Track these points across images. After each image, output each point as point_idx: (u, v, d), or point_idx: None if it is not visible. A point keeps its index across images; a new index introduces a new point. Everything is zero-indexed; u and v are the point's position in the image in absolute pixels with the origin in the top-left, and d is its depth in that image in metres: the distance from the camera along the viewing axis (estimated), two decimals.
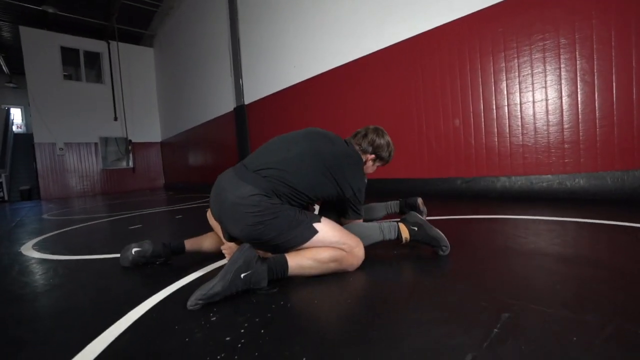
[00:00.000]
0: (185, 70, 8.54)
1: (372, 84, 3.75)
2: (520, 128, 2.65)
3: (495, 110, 2.78)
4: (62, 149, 9.16)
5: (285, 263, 1.08)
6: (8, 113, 11.60)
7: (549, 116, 2.50)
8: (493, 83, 2.77)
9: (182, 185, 9.47)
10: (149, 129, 10.75)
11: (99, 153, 9.79)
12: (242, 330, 0.81)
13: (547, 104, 2.50)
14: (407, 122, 3.42)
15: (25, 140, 9.26)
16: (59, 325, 0.94)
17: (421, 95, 3.28)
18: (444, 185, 3.16)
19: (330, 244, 1.13)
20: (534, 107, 2.57)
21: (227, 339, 0.77)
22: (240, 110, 6.23)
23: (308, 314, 0.92)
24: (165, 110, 10.45)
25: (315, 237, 1.12)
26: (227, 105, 6.71)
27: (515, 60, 2.63)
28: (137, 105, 10.44)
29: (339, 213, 1.42)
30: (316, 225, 1.13)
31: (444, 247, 1.29)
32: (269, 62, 5.44)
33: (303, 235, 1.12)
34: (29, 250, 1.99)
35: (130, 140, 10.29)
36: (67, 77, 9.64)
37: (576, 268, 1.07)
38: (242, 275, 0.99)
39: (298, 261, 1.09)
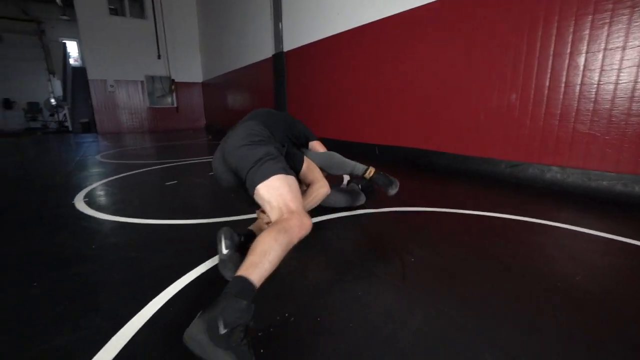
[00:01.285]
0: (226, 10, 8.15)
1: (426, 42, 3.32)
2: (590, 113, 2.25)
3: (563, 89, 2.37)
4: (113, 86, 9.61)
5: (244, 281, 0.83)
6: (65, 47, 12.14)
7: (633, 103, 2.08)
8: (568, 55, 2.31)
9: (221, 128, 9.73)
10: (191, 69, 10.80)
11: (145, 91, 10.17)
12: None
13: (634, 88, 2.07)
14: (455, 90, 3.06)
15: (82, 73, 9.77)
16: (110, 292, 1.06)
17: (478, 60, 2.85)
18: (485, 165, 2.90)
19: (268, 201, 1.12)
20: (615, 90, 2.14)
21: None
22: (279, 58, 5.95)
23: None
24: (206, 51, 10.32)
25: (267, 181, 1.13)
26: (266, 51, 6.43)
27: (606, 28, 2.13)
28: (179, 44, 10.38)
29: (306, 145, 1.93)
30: (276, 175, 1.14)
31: (394, 187, 1.83)
32: (311, 6, 4.97)
33: (263, 173, 1.15)
34: (81, 203, 2.21)
35: (173, 80, 10.48)
36: (113, 11, 9.66)
37: None
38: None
39: (253, 266, 0.86)
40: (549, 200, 2.20)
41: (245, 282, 0.82)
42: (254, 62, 7.02)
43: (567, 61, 2.32)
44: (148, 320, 0.98)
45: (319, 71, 5.03)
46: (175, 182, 2.90)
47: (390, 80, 3.77)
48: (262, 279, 0.86)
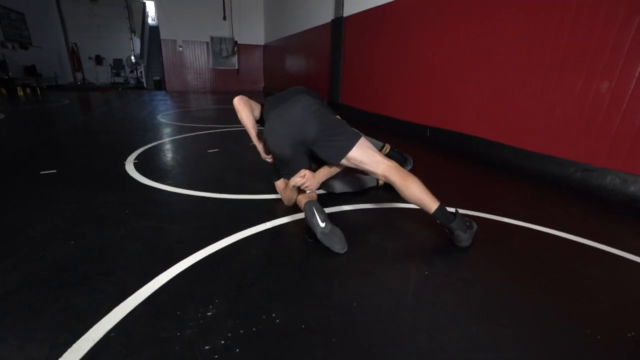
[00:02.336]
0: None
1: (506, 13, 2.82)
2: None
3: None
4: (181, 46, 10.14)
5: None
6: (144, 7, 12.99)
7: None
8: None
9: (278, 92, 9.80)
10: (254, 32, 10.85)
11: (210, 52, 10.56)
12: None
13: None
14: (531, 74, 2.58)
15: (157, 32, 10.46)
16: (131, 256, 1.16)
17: (569, 37, 2.34)
18: (553, 166, 2.48)
19: (363, 161, 1.45)
20: None
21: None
22: (338, 23, 5.63)
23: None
24: (269, 12, 10.21)
25: (357, 146, 1.46)
26: (326, 15, 6.12)
27: None
28: (244, 5, 10.40)
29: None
30: (361, 138, 1.50)
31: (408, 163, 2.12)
32: None
33: (350, 139, 1.47)
34: (130, 165, 2.43)
35: (236, 42, 10.68)
36: None
37: None
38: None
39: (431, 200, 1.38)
40: (631, 221, 1.81)
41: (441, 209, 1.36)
42: (314, 26, 6.76)
43: None
44: (147, 297, 1.04)
45: (376, 40, 4.65)
46: (217, 150, 3.01)
47: (452, 56, 3.33)
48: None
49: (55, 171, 2.23)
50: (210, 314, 0.98)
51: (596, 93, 2.20)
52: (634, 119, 2.03)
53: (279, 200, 1.86)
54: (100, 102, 6.84)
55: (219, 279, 1.15)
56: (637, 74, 1.99)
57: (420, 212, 1.47)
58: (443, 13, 3.42)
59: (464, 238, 1.36)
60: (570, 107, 2.35)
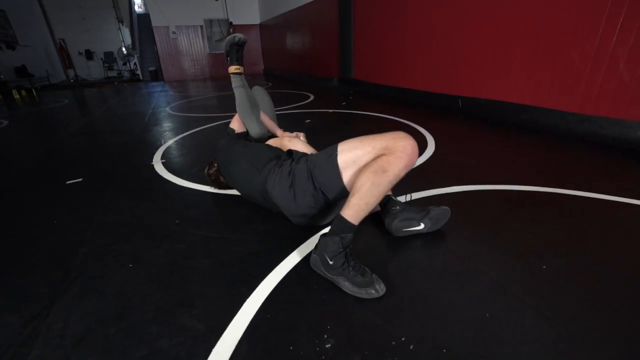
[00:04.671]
0: None
1: None
2: None
3: None
4: (175, 33, 9.64)
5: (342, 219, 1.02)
6: None
7: None
8: None
9: (280, 73, 9.39)
10: (249, 10, 10.29)
11: (205, 36, 10.06)
12: None
13: None
14: (583, 28, 2.30)
15: (147, 20, 9.91)
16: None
17: None
18: (613, 129, 2.25)
19: (357, 161, 1.08)
20: None
21: None
22: None
23: None
24: None
25: (339, 158, 1.10)
26: None
27: None
28: None
29: None
30: (337, 150, 1.11)
31: None
32: None
33: (323, 165, 1.14)
34: (159, 165, 2.22)
35: (231, 22, 10.14)
36: None
37: None
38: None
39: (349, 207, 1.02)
40: None
41: (341, 220, 1.02)
42: None
43: None
44: (246, 330, 0.87)
45: (394, 6, 4.29)
46: None
47: (489, 13, 3.01)
48: (359, 217, 1.02)
49: (81, 180, 2.04)
50: (329, 345, 0.81)
51: None
52: None
53: None
54: (99, 99, 6.53)
55: (318, 297, 0.97)
56: None
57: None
58: None
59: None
60: (633, 63, 2.09)
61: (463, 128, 2.87)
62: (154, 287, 1.06)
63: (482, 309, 0.90)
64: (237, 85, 1.70)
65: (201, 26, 9.91)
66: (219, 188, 1.72)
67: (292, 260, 1.15)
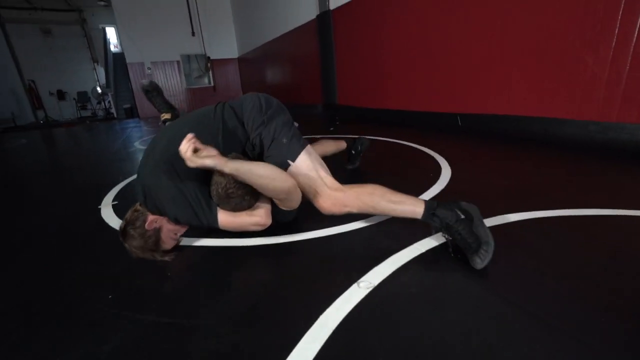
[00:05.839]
0: None
1: None
2: None
3: None
4: (150, 69, 9.38)
5: None
6: (104, 33, 12.15)
7: None
8: None
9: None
10: (226, 45, 10.24)
11: (182, 72, 9.84)
12: None
13: None
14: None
15: (122, 59, 9.65)
16: None
17: None
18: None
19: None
20: None
21: None
22: (325, 18, 5.10)
23: None
24: (240, 22, 9.63)
25: None
26: (308, 12, 5.59)
27: None
28: (213, 18, 9.78)
29: None
30: None
31: None
32: None
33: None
34: (108, 209, 1.72)
35: (209, 57, 10.02)
36: None
37: None
38: None
39: None
40: None
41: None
42: (295, 27, 6.22)
43: None
44: None
45: (378, 28, 4.13)
46: None
47: (490, 24, 2.82)
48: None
49: None
50: None
51: None
52: None
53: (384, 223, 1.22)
54: (65, 138, 5.99)
55: None
56: None
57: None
58: None
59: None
60: None
61: (470, 145, 2.54)
62: None
63: None
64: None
65: (178, 61, 9.72)
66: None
67: None
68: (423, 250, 1.05)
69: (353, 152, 1.98)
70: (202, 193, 1.07)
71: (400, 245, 1.08)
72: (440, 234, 1.05)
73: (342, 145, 1.92)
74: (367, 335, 0.73)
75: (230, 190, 1.04)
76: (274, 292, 0.92)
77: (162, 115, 1.53)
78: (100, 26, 12.98)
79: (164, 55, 9.46)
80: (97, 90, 12.70)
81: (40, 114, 12.06)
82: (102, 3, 13.51)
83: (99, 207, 1.77)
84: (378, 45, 4.19)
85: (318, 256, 1.10)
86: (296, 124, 1.26)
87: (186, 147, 0.93)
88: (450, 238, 0.99)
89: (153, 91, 1.52)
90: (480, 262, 0.90)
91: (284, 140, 1.15)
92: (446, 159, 2.17)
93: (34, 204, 2.01)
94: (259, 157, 1.21)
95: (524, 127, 2.65)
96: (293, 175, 1.12)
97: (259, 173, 1.01)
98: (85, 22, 13.36)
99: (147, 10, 8.97)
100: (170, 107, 1.55)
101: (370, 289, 0.87)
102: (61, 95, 13.26)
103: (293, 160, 1.14)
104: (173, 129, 1.16)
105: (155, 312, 0.88)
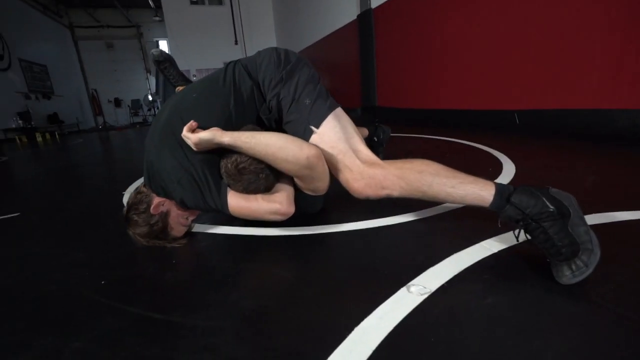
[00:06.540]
0: None
1: None
2: None
3: None
4: (195, 76, 9.84)
5: None
6: (157, 45, 13.10)
7: None
8: None
9: None
10: None
11: None
12: None
13: None
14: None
15: None
16: None
17: None
18: None
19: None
20: None
21: None
22: (366, 18, 4.93)
23: None
24: (281, 30, 9.84)
25: None
26: (349, 12, 5.46)
27: None
28: (255, 27, 10.11)
29: None
30: None
31: None
32: None
33: None
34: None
35: None
36: (193, 2, 9.82)
37: None
38: None
39: None
40: None
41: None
42: (335, 29, 6.13)
43: None
44: None
45: (426, 24, 3.85)
46: None
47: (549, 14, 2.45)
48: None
49: (18, 214, 1.47)
50: None
51: None
52: None
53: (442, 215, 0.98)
54: (114, 139, 6.37)
55: None
56: None
57: None
58: None
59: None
60: None
61: (532, 142, 2.17)
62: None
63: None
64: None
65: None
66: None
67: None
68: (495, 250, 0.78)
69: (376, 139, 1.72)
70: (210, 172, 0.89)
71: (463, 242, 0.82)
72: (514, 231, 0.75)
73: (364, 132, 1.68)
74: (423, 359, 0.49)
75: (242, 165, 0.85)
76: (294, 293, 0.71)
77: (177, 88, 1.40)
78: (154, 39, 14.02)
79: (208, 62, 9.89)
80: (148, 98, 13.64)
81: (100, 119, 13.19)
82: (157, 18, 14.64)
83: (123, 192, 1.70)
84: (425, 42, 3.90)
85: (354, 250, 0.87)
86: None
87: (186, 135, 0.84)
88: (530, 237, 0.70)
89: (165, 62, 1.38)
90: (570, 276, 0.62)
91: (307, 101, 0.93)
92: (506, 154, 1.84)
93: (69, 191, 2.00)
94: (276, 124, 1.01)
95: (598, 122, 2.22)
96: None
97: (265, 141, 0.80)
98: (142, 35, 14.52)
99: (195, 23, 9.50)
100: (185, 80, 1.42)
101: (426, 295, 0.62)
102: (117, 102, 14.43)
103: (317, 127, 0.91)
104: (181, 96, 1.01)
105: (146, 304, 0.70)
